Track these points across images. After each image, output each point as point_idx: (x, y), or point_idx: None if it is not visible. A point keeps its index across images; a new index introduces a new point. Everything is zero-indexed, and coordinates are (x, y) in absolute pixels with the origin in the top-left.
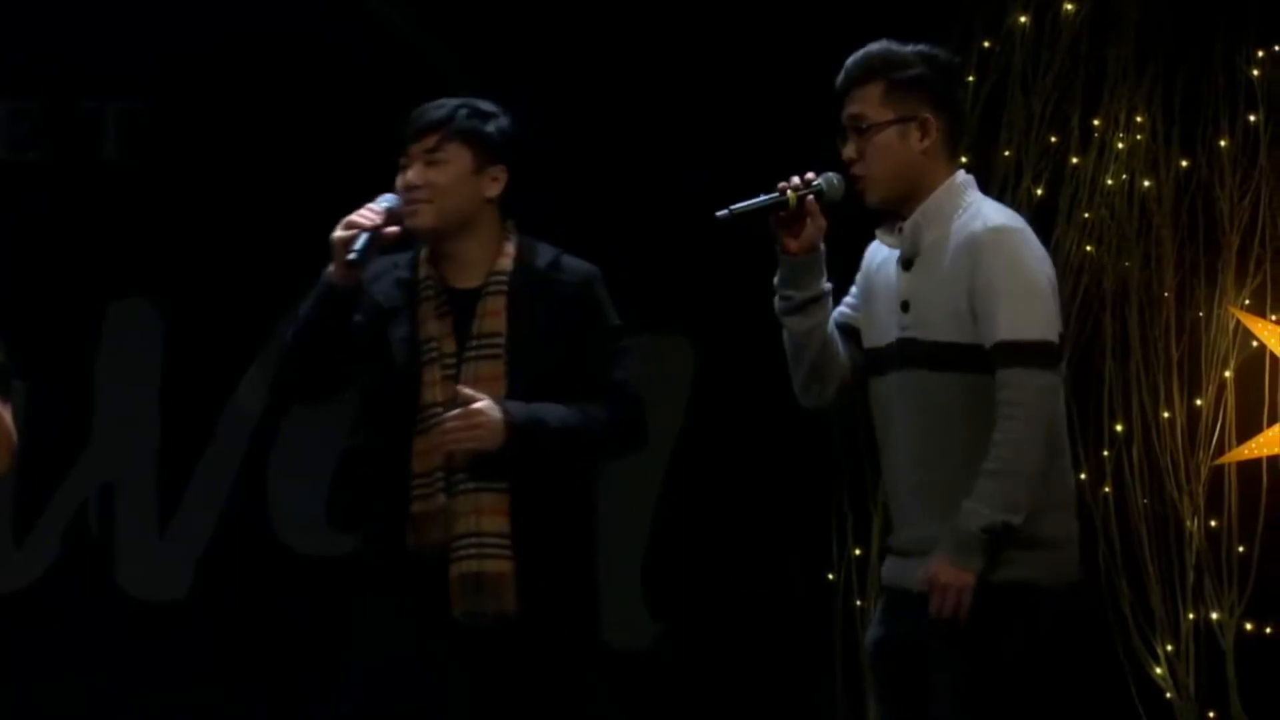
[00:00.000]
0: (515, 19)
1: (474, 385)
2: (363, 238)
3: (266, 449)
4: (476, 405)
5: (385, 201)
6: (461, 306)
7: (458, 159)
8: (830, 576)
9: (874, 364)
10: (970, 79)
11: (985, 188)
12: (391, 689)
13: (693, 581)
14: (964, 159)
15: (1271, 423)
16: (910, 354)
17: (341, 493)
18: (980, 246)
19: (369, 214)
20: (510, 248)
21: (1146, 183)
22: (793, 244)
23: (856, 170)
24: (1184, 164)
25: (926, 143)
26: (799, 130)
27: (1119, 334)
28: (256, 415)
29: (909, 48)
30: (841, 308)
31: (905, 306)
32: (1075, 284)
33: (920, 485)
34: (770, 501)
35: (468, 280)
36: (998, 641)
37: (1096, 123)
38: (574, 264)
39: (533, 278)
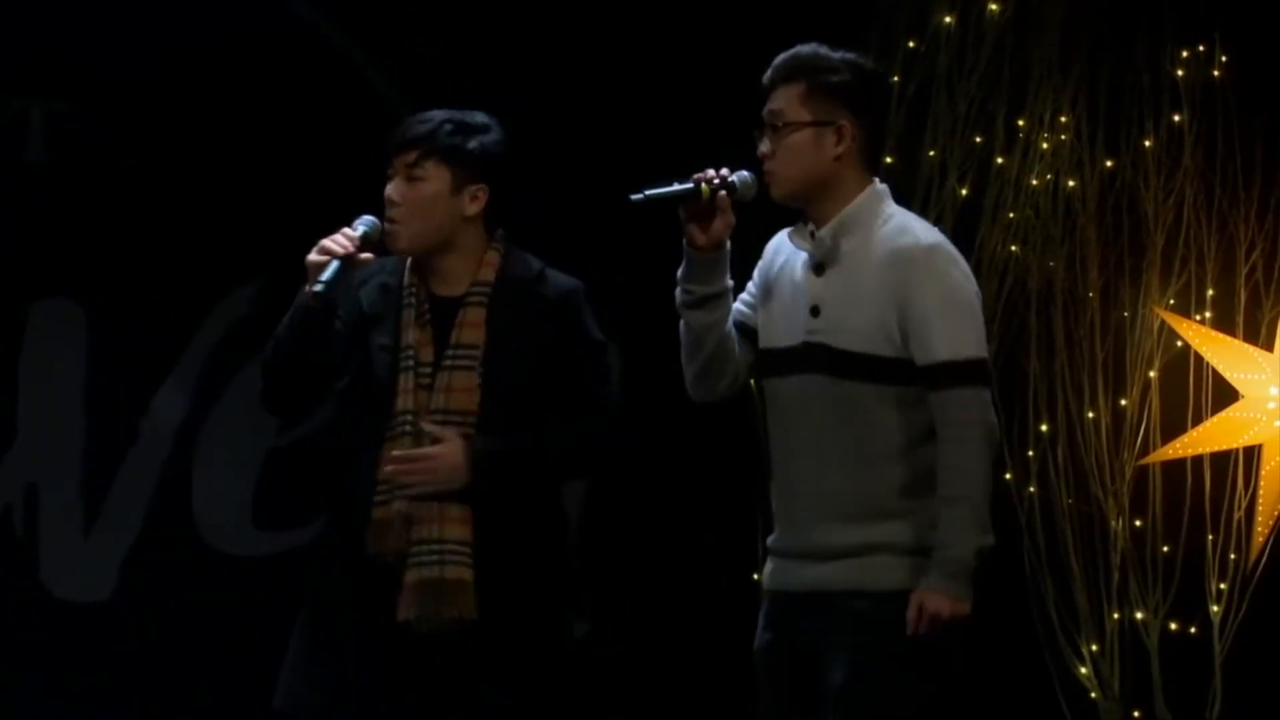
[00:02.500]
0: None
1: (448, 395)
2: (332, 267)
3: (191, 449)
4: (435, 448)
5: (363, 225)
6: (442, 315)
7: (436, 177)
8: (755, 576)
9: (773, 365)
10: (895, 79)
11: (910, 188)
12: (338, 692)
13: (617, 581)
14: (889, 159)
15: (1196, 423)
16: (817, 359)
17: (269, 494)
18: (913, 264)
19: (343, 240)
20: (494, 258)
21: (1071, 183)
22: (700, 238)
23: (767, 166)
24: (1108, 164)
25: (840, 149)
26: (710, 127)
27: (1044, 334)
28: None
29: (838, 54)
30: (738, 305)
31: (815, 311)
32: (1000, 284)
33: (818, 490)
34: (694, 501)
35: (450, 289)
36: (891, 645)
37: (1021, 123)
38: (557, 278)
39: (514, 290)
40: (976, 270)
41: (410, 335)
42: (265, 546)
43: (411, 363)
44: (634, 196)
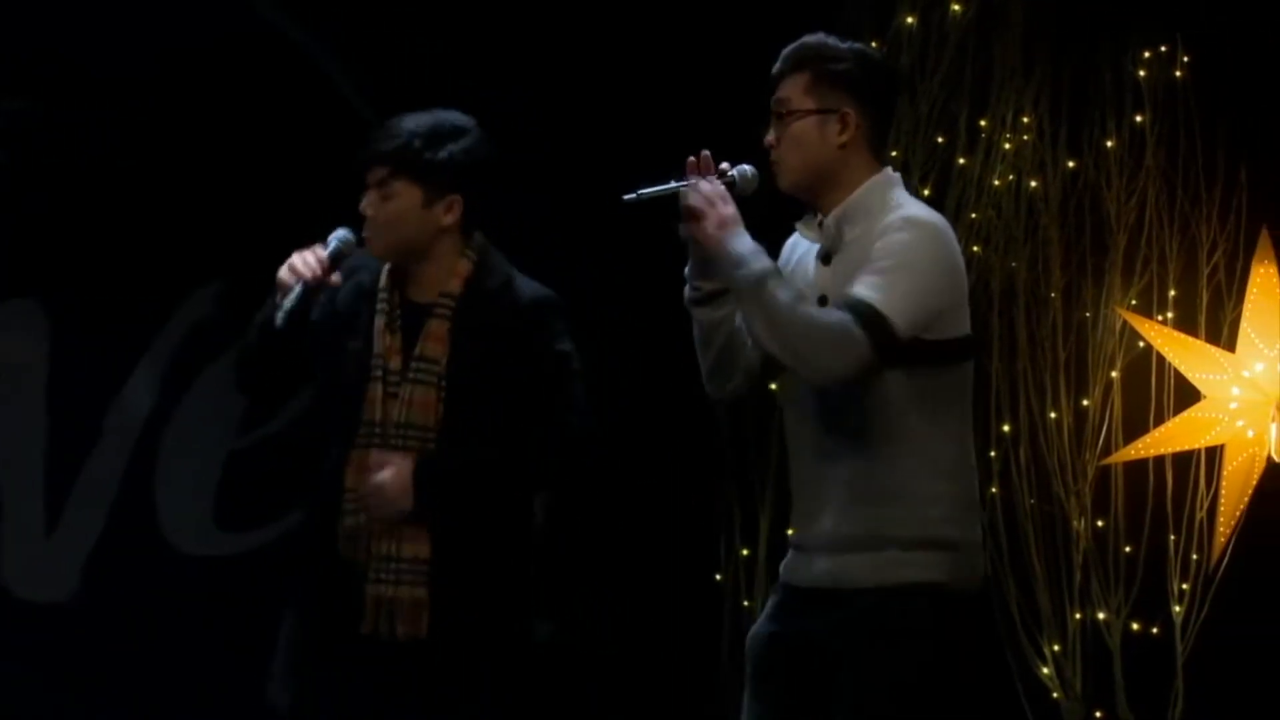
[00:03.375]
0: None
1: (410, 408)
2: (294, 294)
3: (154, 449)
4: (382, 477)
5: (335, 241)
6: (412, 321)
7: (407, 194)
8: (718, 577)
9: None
10: None
11: None
12: (306, 696)
13: (581, 582)
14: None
15: (1158, 423)
16: None
17: (232, 494)
18: (889, 229)
19: (312, 262)
20: (464, 268)
21: (1033, 183)
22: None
23: (773, 155)
24: (1071, 164)
25: (844, 137)
26: (679, 125)
27: (1006, 334)
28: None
29: (845, 44)
30: None
31: (823, 301)
32: None
33: (829, 478)
34: (658, 502)
35: (423, 295)
36: (906, 643)
37: (983, 123)
38: (526, 286)
39: (480, 301)
40: None
41: (380, 342)
42: (228, 546)
43: (381, 372)
44: (627, 196)
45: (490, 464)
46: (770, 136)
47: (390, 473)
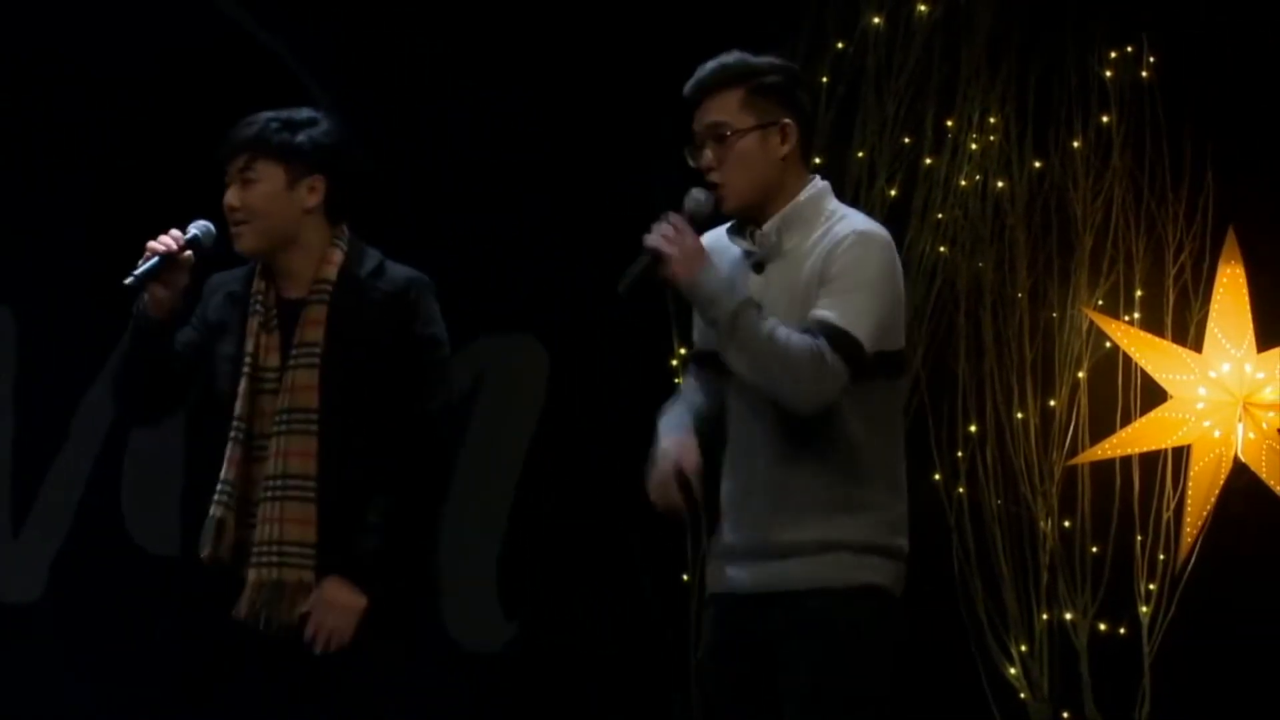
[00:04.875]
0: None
1: (292, 394)
2: (149, 263)
3: (121, 449)
4: (322, 601)
5: (195, 229)
6: (289, 317)
7: (270, 177)
8: (685, 577)
9: (724, 366)
10: (824, 79)
11: (839, 188)
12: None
13: (547, 582)
14: (818, 160)
15: (1125, 423)
16: None
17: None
18: (839, 245)
19: (168, 240)
20: (336, 255)
21: (1000, 183)
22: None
23: (714, 178)
24: (1037, 165)
25: (786, 148)
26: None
27: (972, 334)
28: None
29: (763, 58)
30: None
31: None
32: (929, 285)
33: (775, 487)
34: (624, 502)
35: (296, 290)
36: (856, 643)
37: (950, 123)
38: (397, 271)
39: (354, 285)
40: (906, 270)
41: (253, 342)
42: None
43: (249, 369)
44: (620, 288)
45: (401, 523)
46: (707, 159)
47: (327, 593)
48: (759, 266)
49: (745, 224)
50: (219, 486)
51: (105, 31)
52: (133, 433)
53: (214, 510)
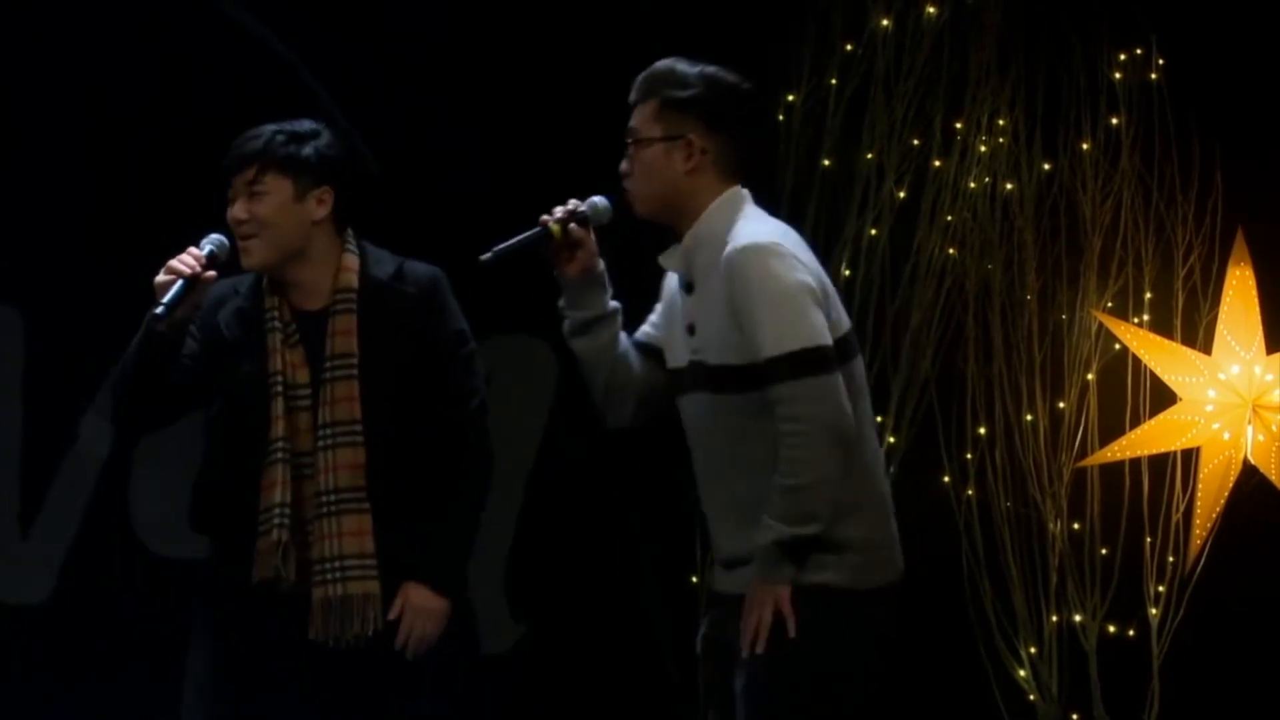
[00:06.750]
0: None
1: (332, 408)
2: (175, 288)
3: (129, 451)
4: (406, 612)
5: (210, 244)
6: (312, 330)
7: (278, 189)
8: (694, 579)
9: (675, 385)
10: (832, 81)
11: (848, 190)
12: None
13: (555, 584)
14: (826, 162)
15: (1133, 425)
16: (700, 376)
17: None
18: (732, 268)
19: (189, 260)
20: (352, 261)
21: (1009, 185)
22: (568, 269)
23: (626, 184)
24: (1046, 167)
25: (691, 164)
26: None
27: (981, 336)
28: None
29: (695, 68)
30: (645, 327)
31: (691, 330)
32: (938, 286)
33: (726, 502)
34: (633, 504)
35: (314, 302)
36: (792, 645)
37: (958, 125)
38: (416, 269)
39: (378, 290)
40: (914, 273)
41: (279, 359)
42: (202, 548)
43: (280, 388)
44: (484, 257)
45: (462, 520)
46: (624, 165)
47: (408, 601)
48: (689, 287)
49: (676, 246)
50: (273, 509)
51: (114, 33)
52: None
53: (273, 534)
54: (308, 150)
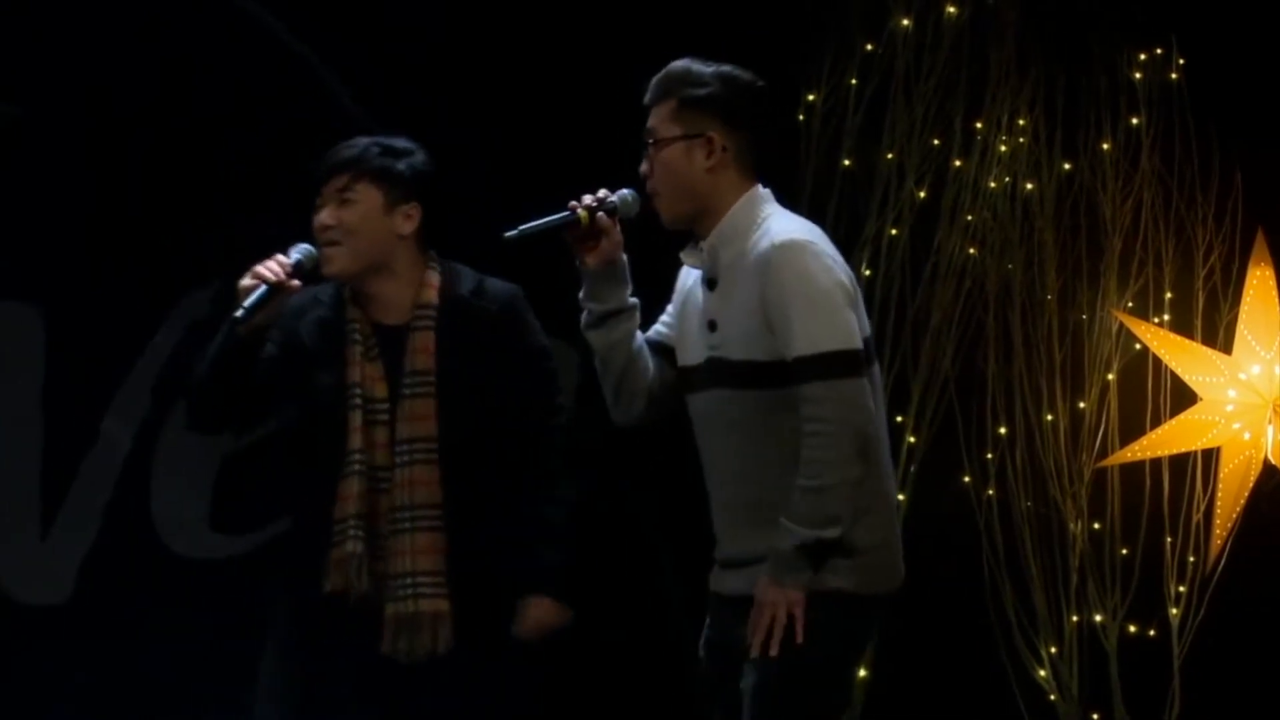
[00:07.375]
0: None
1: (411, 424)
2: (257, 293)
3: (148, 452)
4: (531, 621)
5: (298, 253)
6: (391, 345)
7: (368, 198)
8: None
9: (687, 383)
10: (852, 81)
11: (868, 190)
12: None
13: (572, 586)
14: (846, 162)
15: (1154, 425)
16: (718, 373)
17: (227, 497)
18: (768, 263)
19: (275, 267)
20: (433, 278)
21: (1029, 185)
22: (590, 259)
23: (648, 186)
24: (1066, 167)
25: (711, 161)
26: None
27: (1002, 336)
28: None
29: (710, 68)
30: (658, 326)
31: (712, 326)
32: (958, 286)
33: (736, 501)
34: (652, 506)
35: (395, 316)
36: (803, 649)
37: (979, 125)
38: (496, 287)
39: (458, 308)
40: (934, 273)
41: (357, 371)
42: (223, 549)
43: (359, 400)
44: (508, 234)
45: (563, 525)
46: (644, 167)
47: (531, 613)
48: (711, 283)
49: (697, 243)
50: (348, 521)
51: (132, 32)
52: (162, 434)
53: (348, 545)
54: (402, 165)
